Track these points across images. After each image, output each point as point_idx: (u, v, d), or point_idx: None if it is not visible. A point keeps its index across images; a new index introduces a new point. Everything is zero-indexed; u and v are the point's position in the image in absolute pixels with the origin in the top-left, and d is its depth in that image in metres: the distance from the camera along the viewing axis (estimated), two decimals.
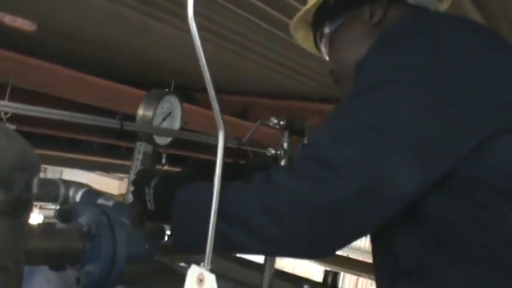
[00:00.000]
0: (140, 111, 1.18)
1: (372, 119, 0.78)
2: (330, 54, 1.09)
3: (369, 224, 0.80)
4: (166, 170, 1.27)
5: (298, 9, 1.87)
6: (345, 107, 0.84)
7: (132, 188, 0.99)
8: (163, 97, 1.19)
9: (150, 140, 1.18)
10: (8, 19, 2.01)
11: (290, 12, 1.84)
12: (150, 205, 0.94)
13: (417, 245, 0.83)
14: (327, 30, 1.06)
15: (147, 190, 0.94)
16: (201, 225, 0.80)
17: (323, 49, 1.11)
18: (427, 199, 0.79)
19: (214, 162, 0.76)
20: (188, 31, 0.69)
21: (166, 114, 1.21)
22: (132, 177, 1.18)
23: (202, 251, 0.82)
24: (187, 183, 0.91)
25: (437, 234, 0.80)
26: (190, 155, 3.70)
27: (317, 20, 1.10)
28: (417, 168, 0.75)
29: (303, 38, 1.20)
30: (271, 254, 1.19)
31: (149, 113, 1.17)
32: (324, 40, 1.09)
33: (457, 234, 0.78)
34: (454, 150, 0.76)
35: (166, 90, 1.22)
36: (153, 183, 0.94)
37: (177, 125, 1.25)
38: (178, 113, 1.24)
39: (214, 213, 0.76)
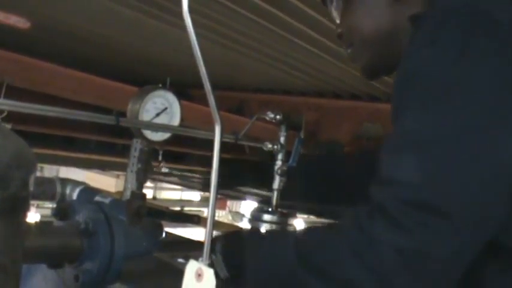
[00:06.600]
0: (129, 106, 1.17)
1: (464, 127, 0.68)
2: (342, 17, 1.02)
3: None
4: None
5: (294, 5, 1.87)
6: (417, 121, 0.72)
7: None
8: (151, 92, 1.18)
9: (146, 137, 1.17)
10: (1, 16, 2.00)
11: (285, 7, 1.84)
12: (223, 273, 0.84)
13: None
14: None
15: (213, 257, 0.85)
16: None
17: (333, 10, 1.04)
18: None
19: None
20: (183, 28, 0.68)
21: (160, 110, 1.20)
22: (130, 175, 1.18)
23: None
24: (254, 244, 0.86)
25: None
26: (186, 151, 3.70)
27: None
28: None
29: None
30: None
31: (136, 106, 1.16)
32: (335, 1, 1.02)
33: None
34: None
35: (160, 85, 1.21)
36: (217, 247, 0.86)
37: (176, 121, 1.24)
38: (176, 110, 1.23)
39: (212, 210, 0.76)
